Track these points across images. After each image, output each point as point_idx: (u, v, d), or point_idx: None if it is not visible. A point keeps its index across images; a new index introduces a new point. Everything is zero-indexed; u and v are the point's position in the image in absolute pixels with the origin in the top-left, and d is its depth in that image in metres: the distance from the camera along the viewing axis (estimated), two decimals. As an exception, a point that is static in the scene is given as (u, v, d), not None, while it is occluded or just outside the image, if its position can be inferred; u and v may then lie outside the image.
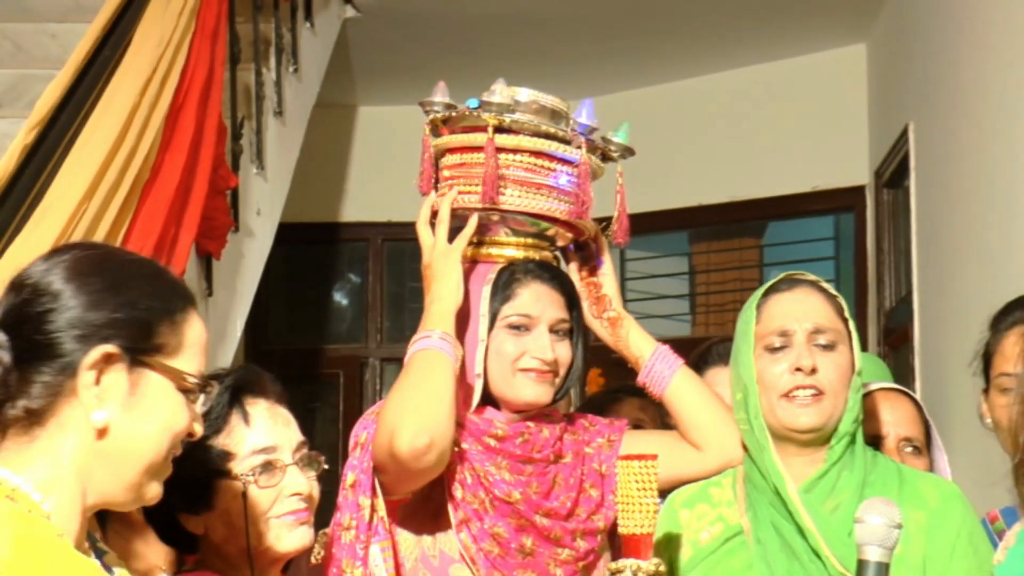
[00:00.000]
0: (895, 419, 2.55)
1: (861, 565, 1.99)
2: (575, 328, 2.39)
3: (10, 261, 2.90)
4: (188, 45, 3.78)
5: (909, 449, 2.55)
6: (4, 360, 1.52)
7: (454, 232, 2.38)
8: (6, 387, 1.53)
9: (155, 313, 1.59)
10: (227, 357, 4.36)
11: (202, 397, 1.65)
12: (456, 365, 2.28)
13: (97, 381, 1.54)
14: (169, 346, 1.60)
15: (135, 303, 1.58)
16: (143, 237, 3.44)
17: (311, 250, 6.77)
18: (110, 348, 1.55)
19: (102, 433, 1.55)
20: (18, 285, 1.57)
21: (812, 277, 2.33)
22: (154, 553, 2.22)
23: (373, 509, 2.26)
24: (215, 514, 1.99)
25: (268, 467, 2.01)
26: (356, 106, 6.68)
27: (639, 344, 2.45)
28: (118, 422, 1.56)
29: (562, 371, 2.36)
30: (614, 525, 2.21)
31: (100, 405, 1.55)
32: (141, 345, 1.57)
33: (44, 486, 1.53)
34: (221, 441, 2.00)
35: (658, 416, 2.67)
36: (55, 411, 1.54)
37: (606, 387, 3.42)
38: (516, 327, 2.33)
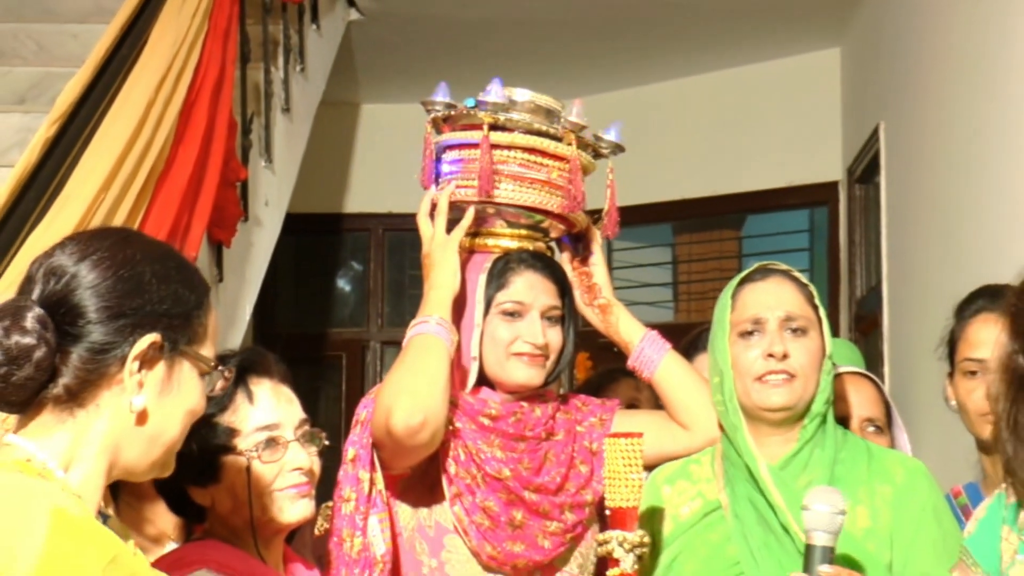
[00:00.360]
0: (858, 400, 2.57)
1: (809, 549, 2.02)
2: (566, 314, 2.39)
3: (32, 248, 2.90)
4: (201, 45, 3.77)
5: (871, 428, 2.56)
6: (50, 342, 1.52)
7: (452, 224, 2.38)
8: (50, 368, 1.52)
9: (192, 305, 1.60)
10: (236, 340, 4.36)
11: (220, 382, 1.66)
12: (451, 349, 2.28)
13: (140, 369, 1.55)
14: (199, 335, 1.61)
15: (177, 296, 1.58)
16: (158, 226, 3.44)
17: (316, 239, 6.77)
18: (157, 338, 1.55)
19: (140, 417, 1.56)
20: (56, 271, 1.55)
21: (784, 267, 2.34)
22: (164, 522, 2.22)
23: (372, 483, 2.26)
24: (221, 487, 1.99)
25: (271, 443, 2.01)
26: (359, 104, 6.67)
27: (628, 330, 2.45)
28: (153, 406, 1.57)
29: (553, 355, 2.36)
30: (602, 499, 2.21)
31: (140, 391, 1.55)
32: (180, 335, 1.58)
33: (69, 462, 1.53)
34: (227, 419, 2.00)
35: (653, 395, 2.68)
36: (95, 394, 1.54)
37: (604, 369, 3.42)
38: (510, 313, 2.34)
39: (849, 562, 2.13)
